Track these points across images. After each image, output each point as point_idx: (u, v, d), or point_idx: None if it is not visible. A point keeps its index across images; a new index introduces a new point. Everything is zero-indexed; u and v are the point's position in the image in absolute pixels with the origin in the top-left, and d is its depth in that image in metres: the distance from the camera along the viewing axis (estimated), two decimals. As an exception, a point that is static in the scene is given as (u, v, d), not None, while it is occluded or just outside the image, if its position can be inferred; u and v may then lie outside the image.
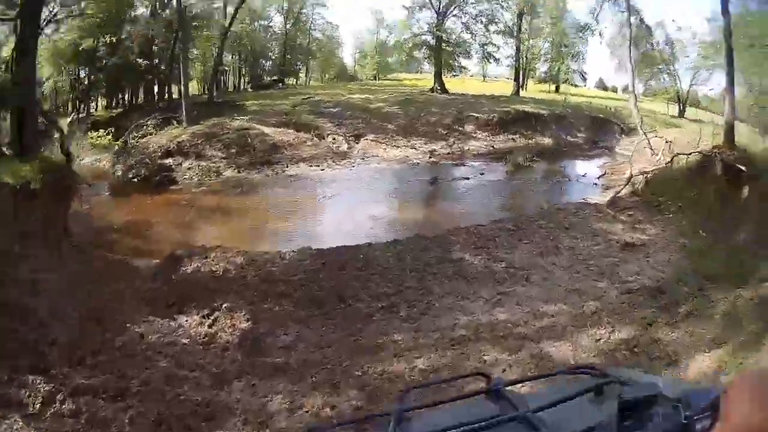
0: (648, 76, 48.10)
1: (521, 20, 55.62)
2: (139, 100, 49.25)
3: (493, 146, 38.96)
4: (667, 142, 27.16)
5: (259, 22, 59.10)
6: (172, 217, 23.78)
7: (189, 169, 32.34)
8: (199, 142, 34.25)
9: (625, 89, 51.26)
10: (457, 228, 19.06)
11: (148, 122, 37.32)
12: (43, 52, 39.26)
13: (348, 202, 26.93)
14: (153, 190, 28.73)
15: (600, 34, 49.04)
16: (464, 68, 59.47)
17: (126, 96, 50.09)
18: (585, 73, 59.14)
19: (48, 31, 40.02)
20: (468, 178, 31.08)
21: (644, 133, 29.39)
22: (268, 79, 59.26)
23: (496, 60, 57.78)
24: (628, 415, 2.08)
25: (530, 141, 40.07)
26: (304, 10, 61.14)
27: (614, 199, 22.96)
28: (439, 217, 23.50)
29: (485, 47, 57.62)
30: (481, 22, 56.40)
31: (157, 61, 45.45)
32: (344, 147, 37.34)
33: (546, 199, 25.23)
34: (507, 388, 2.42)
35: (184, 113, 37.92)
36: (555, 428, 2.09)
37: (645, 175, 24.09)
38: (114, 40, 41.70)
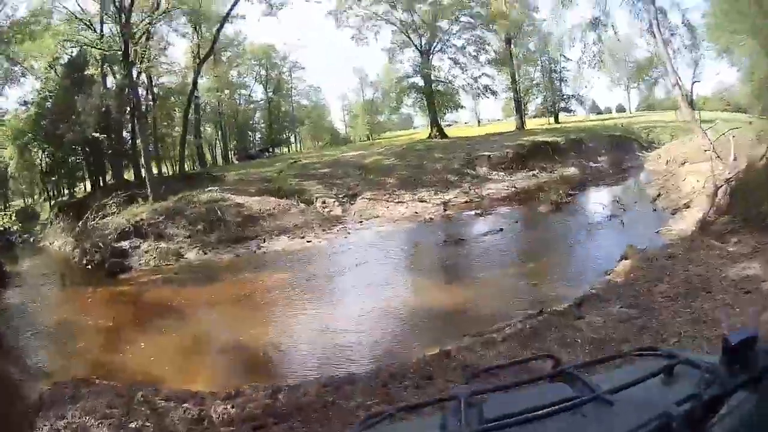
0: (649, 83, 48.02)
1: (511, 46, 53.33)
2: (108, 180, 46.63)
3: (514, 186, 34.22)
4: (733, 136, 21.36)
5: (239, 92, 59.91)
6: (100, 321, 19.73)
7: (146, 252, 28.35)
8: (160, 219, 30.35)
9: (619, 109, 52.29)
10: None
11: (111, 201, 34.35)
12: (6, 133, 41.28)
13: (338, 287, 21.24)
14: (101, 280, 25.81)
15: (613, 27, 43.39)
16: (461, 107, 57.60)
17: (94, 176, 47.74)
18: (581, 95, 56.66)
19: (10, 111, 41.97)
20: (500, 230, 25.45)
21: (705, 134, 24.06)
22: (255, 149, 59.09)
23: (494, 93, 55.09)
24: (733, 360, 1.95)
25: (553, 174, 35.82)
26: (283, 75, 61.77)
27: (703, 224, 17.88)
28: (481, 307, 16.05)
29: (479, 80, 54.95)
30: (469, 53, 54.46)
31: (114, 135, 43.59)
32: (337, 210, 32.94)
33: (616, 243, 19.49)
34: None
35: (149, 189, 35.05)
36: (631, 409, 1.95)
37: (726, 184, 18.65)
38: (71, 115, 40.34)
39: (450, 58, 54.71)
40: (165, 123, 49.68)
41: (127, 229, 29.89)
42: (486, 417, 2.01)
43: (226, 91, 56.77)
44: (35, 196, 50.42)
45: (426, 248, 24.94)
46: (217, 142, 59.97)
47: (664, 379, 2.13)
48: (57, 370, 14.34)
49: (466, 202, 32.50)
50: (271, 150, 59.72)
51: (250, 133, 62.38)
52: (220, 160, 58.29)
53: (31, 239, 41.03)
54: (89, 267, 27.72)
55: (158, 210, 31.27)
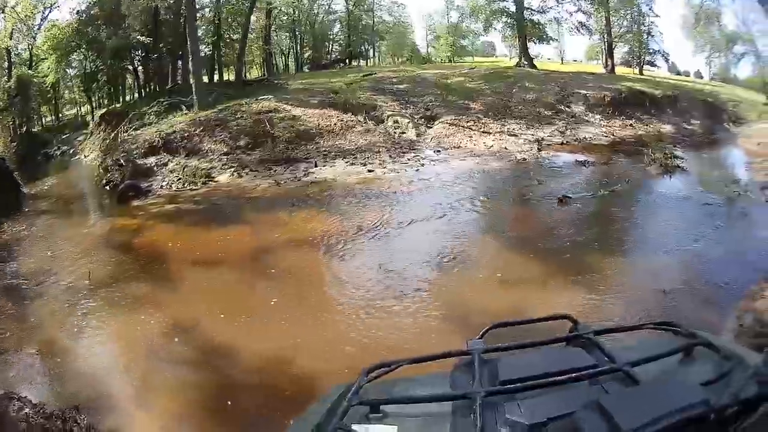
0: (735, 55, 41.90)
1: None
2: (153, 87, 43.21)
3: (613, 134, 28.35)
4: None
5: (318, 1, 55.31)
6: (75, 272, 15.82)
7: (172, 171, 24.14)
8: (197, 132, 26.15)
9: (697, 74, 44.81)
10: None
11: (150, 110, 31.53)
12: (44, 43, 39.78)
13: (397, 259, 14.47)
14: (109, 208, 22.42)
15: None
16: (553, 39, 50.00)
17: (140, 83, 44.26)
18: (667, 53, 49.21)
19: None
20: (611, 191, 19.13)
21: None
22: (330, 59, 54.79)
23: (589, 31, 48.01)
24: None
25: (649, 128, 29.91)
26: None
27: None
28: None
29: (574, 14, 47.96)
30: None
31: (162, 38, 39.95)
32: (410, 133, 27.32)
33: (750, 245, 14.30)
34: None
35: (194, 96, 30.58)
36: (657, 388, 1.96)
37: None
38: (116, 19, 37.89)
39: None
40: (227, 27, 45.45)
41: (156, 143, 25.92)
42: (500, 378, 2.05)
43: (305, 2, 52.70)
44: (87, 106, 46.55)
45: (525, 203, 18.83)
46: (291, 51, 55.72)
47: (681, 358, 2.18)
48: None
49: (562, 143, 26.58)
50: (346, 62, 54.65)
51: (326, 44, 57.65)
52: (293, 70, 53.93)
53: (71, 151, 38.32)
54: (107, 187, 23.99)
55: (197, 120, 27.15)
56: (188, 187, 22.49)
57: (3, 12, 31.33)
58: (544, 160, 23.78)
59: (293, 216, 18.02)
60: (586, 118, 29.56)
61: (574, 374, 1.96)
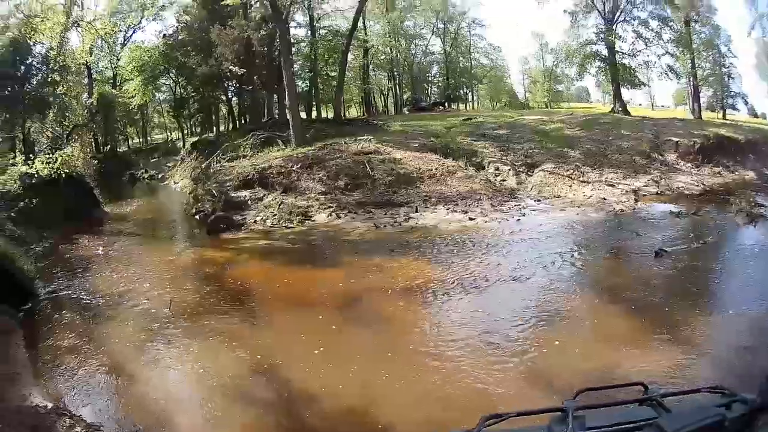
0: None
1: (690, 28, 46.84)
2: (248, 119, 44.21)
3: (702, 183, 27.36)
4: None
5: (415, 42, 57.18)
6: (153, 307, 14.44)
7: (267, 207, 23.25)
8: (294, 169, 25.44)
9: None
10: None
11: (246, 142, 30.79)
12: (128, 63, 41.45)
13: (501, 309, 13.13)
14: (200, 237, 21.78)
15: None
16: (644, 84, 50.95)
17: (232, 113, 45.74)
18: (746, 95, 49.37)
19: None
20: (702, 243, 17.85)
21: None
22: (429, 102, 54.67)
23: (677, 75, 48.67)
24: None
25: (734, 175, 29.50)
26: (461, 30, 58.49)
27: None
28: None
29: (661, 58, 48.46)
30: (652, 29, 48.04)
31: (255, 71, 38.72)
32: (511, 181, 26.63)
33: None
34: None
35: (291, 131, 30.14)
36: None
37: None
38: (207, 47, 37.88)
39: (634, 31, 48.51)
40: (324, 63, 46.26)
41: (251, 177, 25.24)
42: (586, 426, 2.45)
43: (402, 41, 53.97)
44: (177, 132, 47.09)
45: (623, 257, 17.71)
46: (390, 92, 56.75)
47: (724, 412, 2.56)
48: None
49: (657, 193, 25.80)
50: (445, 105, 55.22)
51: (425, 85, 58.71)
52: (392, 110, 54.73)
53: (159, 176, 38.71)
54: (197, 217, 23.15)
55: (295, 157, 26.45)
56: (283, 224, 21.60)
57: (79, 26, 30.69)
58: (641, 210, 22.85)
59: (392, 262, 16.75)
60: (678, 167, 28.96)
61: (635, 425, 2.41)
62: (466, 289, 14.10)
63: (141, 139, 50.89)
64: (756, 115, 49.93)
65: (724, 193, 24.92)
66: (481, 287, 14.23)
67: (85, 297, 15.32)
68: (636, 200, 24.02)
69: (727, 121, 41.35)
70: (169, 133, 50.87)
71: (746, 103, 49.03)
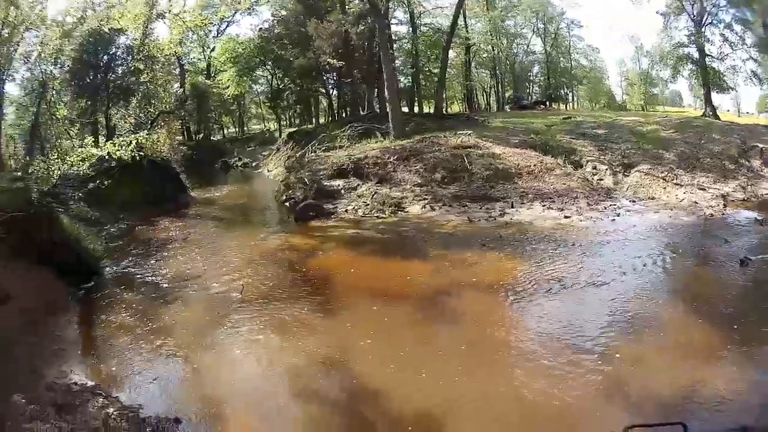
0: None
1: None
2: (347, 112, 44.28)
3: None
4: None
5: (516, 42, 58.91)
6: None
7: (359, 197, 23.04)
8: (391, 160, 25.07)
9: None
10: None
11: (343, 133, 30.67)
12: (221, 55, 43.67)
13: (591, 312, 12.34)
14: (287, 224, 21.80)
15: None
16: (731, 89, 51.38)
17: (332, 105, 46.08)
18: None
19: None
20: None
21: None
22: (530, 101, 55.43)
23: (760, 80, 48.83)
24: None
25: None
26: (560, 31, 60.48)
27: None
28: None
29: (746, 62, 48.59)
30: (736, 32, 47.80)
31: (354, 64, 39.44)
32: (608, 180, 25.88)
33: None
34: None
35: (390, 124, 29.89)
36: None
37: None
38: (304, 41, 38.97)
39: (720, 34, 48.45)
40: (425, 59, 45.92)
41: (345, 166, 25.03)
42: None
43: (504, 40, 55.15)
44: (274, 123, 47.67)
45: (711, 263, 16.25)
46: (492, 89, 57.45)
47: None
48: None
49: (743, 200, 24.40)
50: (546, 104, 55.80)
51: (526, 84, 60.29)
52: (493, 107, 55.17)
53: (253, 164, 39.65)
54: (287, 204, 23.44)
55: (392, 149, 26.14)
56: (375, 214, 21.27)
57: (164, 18, 31.48)
58: (728, 216, 21.48)
59: (483, 257, 16.01)
60: (762, 174, 27.46)
61: None
62: (553, 289, 13.26)
63: (237, 129, 51.79)
64: None
65: None
66: (569, 288, 13.38)
67: (151, 278, 15.41)
68: (725, 205, 22.87)
69: None
70: (266, 124, 51.62)
71: None
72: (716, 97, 50.39)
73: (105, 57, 31.95)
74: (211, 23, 41.92)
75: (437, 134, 27.43)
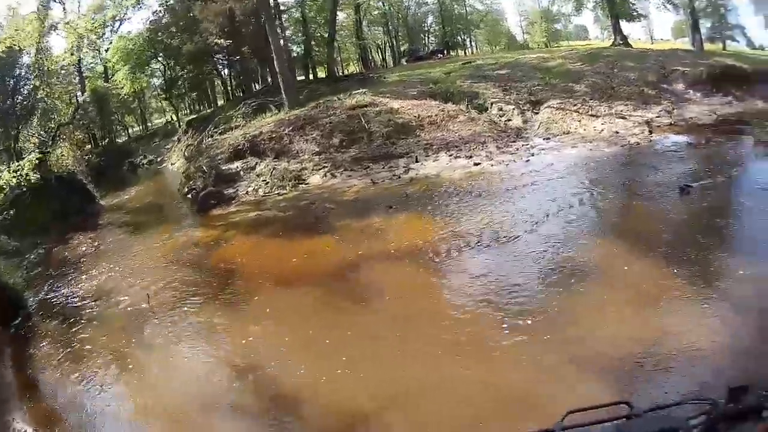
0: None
1: None
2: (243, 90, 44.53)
3: (715, 112, 25.45)
4: None
5: None
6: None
7: (259, 176, 22.36)
8: (286, 132, 24.25)
9: None
10: None
11: (237, 113, 30.02)
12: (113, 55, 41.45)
13: (516, 267, 11.65)
14: (191, 217, 21.09)
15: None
16: (642, 16, 50.42)
17: (226, 85, 46.24)
18: (744, 27, 47.99)
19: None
20: (727, 176, 15.93)
21: None
22: (427, 51, 55.17)
23: (675, 6, 48.30)
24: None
25: (746, 105, 26.80)
26: None
27: None
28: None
29: None
30: None
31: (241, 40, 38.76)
32: (516, 120, 25.19)
33: None
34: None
35: (283, 95, 28.88)
36: None
37: None
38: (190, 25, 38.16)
39: None
40: (316, 26, 45.47)
41: (241, 146, 24.26)
42: None
43: None
44: (177, 114, 47.05)
45: (645, 195, 15.50)
46: (387, 46, 57.54)
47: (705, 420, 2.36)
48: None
49: (670, 124, 24.09)
50: (444, 52, 54.69)
51: (422, 35, 59.44)
52: (390, 64, 54.98)
53: (158, 159, 38.54)
54: (189, 196, 22.47)
55: (287, 120, 25.27)
56: (276, 192, 20.61)
57: (56, 29, 30.25)
58: (657, 143, 21.15)
59: (390, 221, 15.42)
60: (688, 96, 27.33)
61: None
62: (473, 246, 12.63)
63: (141, 126, 50.83)
64: (755, 48, 50.18)
65: (739, 123, 23.14)
66: (490, 243, 12.76)
67: (69, 301, 14.78)
68: (650, 132, 22.59)
69: (730, 52, 40.36)
70: (167, 116, 50.86)
71: (745, 35, 47.93)
72: (626, 26, 49.66)
73: (11, 81, 30.93)
74: (105, 25, 40.68)
75: (331, 98, 26.76)
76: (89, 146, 38.88)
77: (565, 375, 7.77)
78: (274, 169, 21.89)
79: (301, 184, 20.88)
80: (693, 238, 11.68)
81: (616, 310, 9.18)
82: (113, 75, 43.43)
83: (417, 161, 20.86)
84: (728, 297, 9.11)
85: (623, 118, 24.27)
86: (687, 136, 21.74)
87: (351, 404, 7.79)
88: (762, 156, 18.55)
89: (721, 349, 7.78)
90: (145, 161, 38.03)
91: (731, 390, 2.28)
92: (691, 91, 27.74)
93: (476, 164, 19.92)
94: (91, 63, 44.90)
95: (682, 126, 23.58)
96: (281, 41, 33.56)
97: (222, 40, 35.63)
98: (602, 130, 22.96)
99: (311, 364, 8.84)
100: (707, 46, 44.36)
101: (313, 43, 44.47)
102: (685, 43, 46.57)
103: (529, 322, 9.18)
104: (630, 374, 7.62)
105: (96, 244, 19.95)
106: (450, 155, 21.15)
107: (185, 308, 12.04)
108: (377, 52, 56.65)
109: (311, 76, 42.80)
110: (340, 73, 43.35)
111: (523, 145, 21.70)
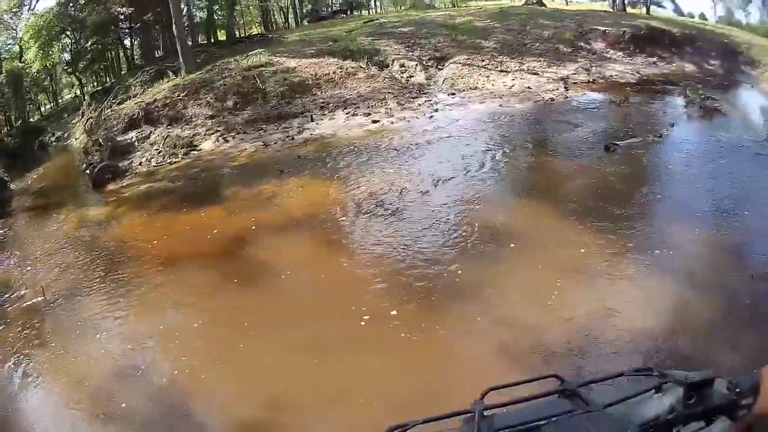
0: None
1: None
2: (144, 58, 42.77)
3: (639, 72, 25.67)
4: None
5: None
6: None
7: (152, 145, 21.74)
8: (180, 97, 23.73)
9: (701, 16, 43.35)
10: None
11: (135, 81, 29.29)
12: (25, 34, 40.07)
13: (418, 234, 11.28)
14: (85, 194, 20.15)
15: None
16: None
17: (128, 55, 44.33)
18: None
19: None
20: (659, 136, 15.93)
21: None
22: (330, 11, 54.89)
23: None
24: (691, 395, 2.18)
25: (673, 66, 27.50)
26: None
27: None
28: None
29: None
30: None
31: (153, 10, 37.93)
32: (419, 77, 24.96)
33: None
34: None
35: (180, 60, 28.42)
36: (624, 420, 2.23)
37: None
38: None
39: None
40: None
41: (136, 116, 23.63)
42: (495, 427, 2.21)
43: None
44: (85, 87, 45.65)
45: (565, 153, 15.43)
46: (290, 7, 55.48)
47: (653, 395, 2.28)
48: None
49: (588, 81, 23.99)
50: (347, 12, 54.60)
51: None
52: (293, 25, 53.41)
53: (65, 135, 36.89)
54: (87, 172, 21.43)
55: (182, 85, 24.75)
56: (167, 161, 20.10)
57: None
58: (574, 100, 20.99)
59: (282, 186, 15.04)
60: (608, 56, 27.55)
61: (553, 418, 2.14)
62: (374, 211, 12.40)
63: (53, 103, 50.00)
64: (682, 15, 50.86)
65: (664, 84, 23.47)
66: (393, 207, 12.47)
67: None
68: (566, 88, 22.52)
69: (654, 16, 40.06)
70: (77, 91, 50.17)
71: (673, 0, 49.46)
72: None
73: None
74: (22, 4, 40.04)
75: (228, 60, 26.38)
76: (5, 129, 39.00)
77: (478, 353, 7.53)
78: (167, 136, 21.38)
79: (193, 150, 20.39)
80: (613, 201, 11.53)
81: (533, 277, 9.06)
82: (26, 54, 43.04)
83: (312, 120, 20.63)
84: (658, 263, 9.07)
85: (536, 74, 24.27)
86: (607, 94, 21.34)
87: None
88: (695, 117, 18.41)
89: (642, 314, 7.77)
90: (53, 138, 37.25)
91: (689, 385, 2.18)
92: (612, 51, 27.83)
93: (375, 122, 19.82)
94: (10, 44, 44.42)
95: (601, 84, 23.43)
96: (181, 5, 33.26)
97: (124, 9, 35.04)
98: (512, 86, 22.91)
99: (189, 354, 8.59)
100: (630, 10, 43.58)
101: (216, 7, 43.93)
102: (604, 6, 45.40)
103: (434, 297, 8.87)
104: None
105: (3, 231, 18.81)
106: (347, 113, 20.99)
107: (76, 298, 11.37)
108: (280, 14, 55.95)
109: (212, 40, 42.31)
110: (239, 35, 43.50)
111: (426, 101, 21.56)
